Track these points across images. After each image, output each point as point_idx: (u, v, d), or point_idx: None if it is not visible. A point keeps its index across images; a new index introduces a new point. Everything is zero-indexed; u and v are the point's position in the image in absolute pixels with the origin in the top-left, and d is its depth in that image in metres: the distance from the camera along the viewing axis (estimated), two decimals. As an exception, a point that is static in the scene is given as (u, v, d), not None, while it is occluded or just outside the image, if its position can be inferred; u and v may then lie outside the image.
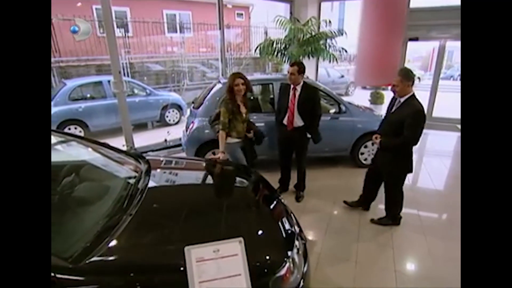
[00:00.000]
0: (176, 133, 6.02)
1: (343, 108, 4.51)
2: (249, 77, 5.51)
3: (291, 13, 7.63)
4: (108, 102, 6.99)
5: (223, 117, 3.11)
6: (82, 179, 2.06)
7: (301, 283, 1.70)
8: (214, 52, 11.85)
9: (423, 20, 6.97)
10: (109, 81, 6.89)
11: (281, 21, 6.58)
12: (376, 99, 9.19)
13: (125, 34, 10.67)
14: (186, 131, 4.53)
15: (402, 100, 2.83)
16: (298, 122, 3.52)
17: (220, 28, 6.46)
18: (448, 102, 8.33)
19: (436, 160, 5.36)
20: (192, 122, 4.38)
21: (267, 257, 1.65)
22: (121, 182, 2.12)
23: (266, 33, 11.81)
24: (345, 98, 5.00)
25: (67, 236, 1.56)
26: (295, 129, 3.55)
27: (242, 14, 16.15)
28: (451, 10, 7.01)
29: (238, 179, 2.68)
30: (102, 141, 2.69)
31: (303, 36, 6.56)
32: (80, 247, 1.45)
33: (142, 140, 5.95)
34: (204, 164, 3.04)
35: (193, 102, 4.84)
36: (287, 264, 1.66)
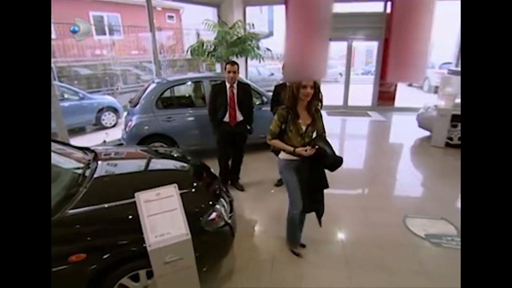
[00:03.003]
0: (115, 134, 6.16)
1: (265, 99, 5.22)
2: (182, 76, 5.94)
3: (218, 16, 8.16)
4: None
5: (272, 125, 2.52)
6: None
7: (225, 227, 2.35)
8: (146, 54, 11.84)
9: (334, 24, 8.12)
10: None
11: (209, 24, 7.11)
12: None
13: (48, 37, 10.14)
14: (125, 129, 4.82)
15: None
16: (239, 116, 3.81)
17: (151, 30, 6.71)
18: (363, 93, 9.74)
19: (353, 142, 6.38)
20: (131, 120, 4.70)
21: (202, 206, 2.29)
22: (75, 167, 2.55)
23: (198, 35, 12.19)
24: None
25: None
26: (238, 124, 3.82)
27: (173, 17, 16.19)
28: (357, 16, 8.48)
29: (179, 161, 3.17)
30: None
31: (231, 38, 7.17)
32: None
33: (80, 143, 5.94)
34: (146, 149, 3.45)
35: (130, 102, 5.12)
36: (215, 212, 2.30)
